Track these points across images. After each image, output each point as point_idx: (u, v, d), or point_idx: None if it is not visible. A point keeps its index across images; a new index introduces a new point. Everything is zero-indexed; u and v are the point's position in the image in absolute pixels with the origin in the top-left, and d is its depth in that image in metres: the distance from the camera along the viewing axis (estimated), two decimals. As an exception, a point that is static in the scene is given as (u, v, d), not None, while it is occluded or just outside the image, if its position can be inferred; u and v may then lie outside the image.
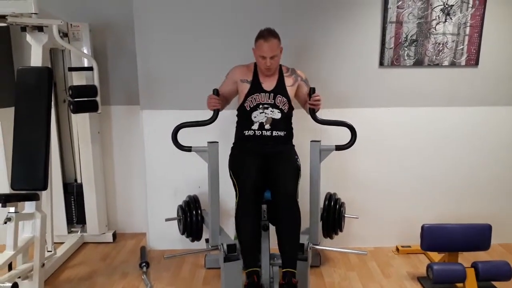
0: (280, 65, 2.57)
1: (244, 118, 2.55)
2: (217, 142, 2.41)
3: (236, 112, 2.65)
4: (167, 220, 2.83)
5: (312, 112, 2.46)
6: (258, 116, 2.49)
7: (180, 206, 2.79)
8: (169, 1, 2.97)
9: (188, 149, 2.41)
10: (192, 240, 2.79)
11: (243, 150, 2.54)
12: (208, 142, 2.40)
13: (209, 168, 2.42)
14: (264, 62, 2.41)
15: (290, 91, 2.54)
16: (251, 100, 2.51)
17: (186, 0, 2.96)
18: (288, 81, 2.55)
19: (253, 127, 2.50)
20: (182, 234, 2.78)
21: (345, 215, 2.79)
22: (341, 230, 2.79)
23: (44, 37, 2.67)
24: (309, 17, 3.00)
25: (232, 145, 2.66)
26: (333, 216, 2.73)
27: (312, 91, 2.42)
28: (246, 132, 2.52)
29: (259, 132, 2.49)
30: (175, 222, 3.27)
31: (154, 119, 3.14)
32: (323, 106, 2.80)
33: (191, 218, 2.72)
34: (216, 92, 2.46)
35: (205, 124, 2.45)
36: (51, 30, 2.68)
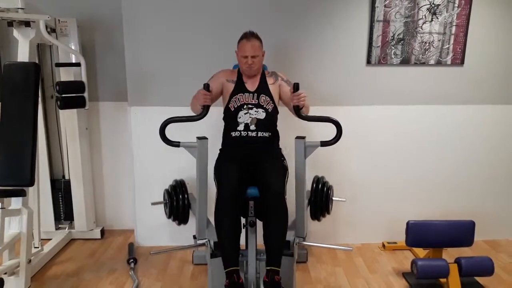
0: (263, 70, 2.62)
1: (230, 119, 2.56)
2: (207, 138, 2.39)
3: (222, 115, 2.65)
4: (153, 204, 2.77)
5: (297, 109, 2.40)
6: (243, 117, 2.50)
7: (166, 190, 2.75)
8: (158, -2, 2.98)
9: (176, 144, 2.37)
10: (179, 224, 2.74)
11: (229, 155, 2.55)
12: (197, 138, 2.37)
13: (198, 164, 2.40)
14: (245, 61, 2.46)
15: (273, 90, 2.56)
16: (235, 101, 2.53)
17: (175, -4, 2.97)
18: (270, 80, 2.59)
19: (238, 128, 2.51)
20: (169, 218, 2.73)
21: (333, 198, 2.77)
22: (328, 213, 2.78)
23: (31, 33, 2.66)
24: (297, 15, 3.02)
25: (219, 150, 2.66)
26: (320, 198, 2.71)
27: (296, 87, 2.35)
28: (233, 134, 2.53)
29: (244, 133, 2.50)
30: (164, 219, 3.27)
31: (142, 116, 3.14)
32: (310, 103, 2.82)
33: (177, 202, 2.68)
34: (207, 87, 2.38)
35: (194, 119, 2.41)
36: (38, 26, 2.66)
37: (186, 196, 2.72)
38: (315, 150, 2.43)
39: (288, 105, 2.62)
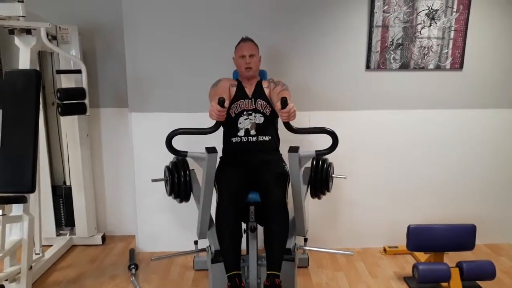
0: (261, 78, 2.65)
1: (230, 125, 2.56)
2: (216, 152, 2.25)
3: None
4: (153, 180, 2.64)
5: (287, 125, 2.23)
6: (243, 123, 2.52)
7: (167, 167, 2.63)
8: (158, 4, 2.99)
9: (184, 154, 2.27)
10: (180, 201, 2.63)
11: (231, 162, 2.55)
12: (207, 149, 2.23)
13: (205, 178, 2.31)
14: (243, 61, 2.51)
15: (268, 94, 2.58)
16: (236, 107, 2.54)
17: (175, 2, 2.99)
18: (265, 84, 2.62)
19: (239, 134, 2.52)
20: (169, 195, 2.62)
21: (333, 175, 2.64)
22: (328, 191, 2.65)
23: (32, 40, 2.68)
24: (296, 21, 3.04)
25: (219, 158, 2.62)
26: (320, 176, 2.59)
27: (283, 104, 2.11)
28: (234, 139, 2.54)
29: (245, 139, 2.51)
30: (165, 225, 3.28)
31: (143, 122, 3.15)
32: (310, 108, 2.83)
33: (178, 178, 2.55)
34: (222, 102, 2.13)
35: (204, 133, 2.25)
36: (39, 33, 2.68)
37: (187, 172, 2.58)
38: (310, 159, 2.37)
39: (274, 104, 2.49)
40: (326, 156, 2.64)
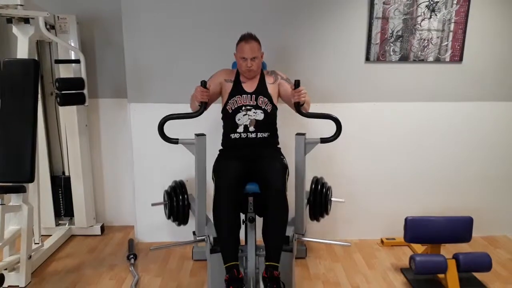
0: (262, 70, 2.62)
1: (228, 121, 2.56)
2: (205, 135, 2.38)
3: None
4: (153, 204, 2.79)
5: (297, 106, 2.39)
6: (242, 119, 2.51)
7: (166, 191, 2.75)
8: (157, -6, 2.98)
9: (175, 141, 2.38)
10: (179, 225, 2.74)
11: (229, 155, 2.56)
12: (196, 135, 2.38)
13: (196, 161, 2.41)
14: (245, 64, 2.45)
15: (272, 90, 2.56)
16: (232, 103, 2.52)
17: (174, -7, 2.97)
18: (269, 80, 2.58)
19: (238, 130, 2.51)
20: (168, 218, 2.74)
21: (332, 199, 2.77)
22: (327, 213, 2.77)
23: (30, 29, 2.67)
24: (296, 12, 3.02)
25: (219, 151, 2.66)
26: (319, 199, 2.70)
27: (296, 84, 2.33)
28: (232, 135, 2.53)
29: (244, 135, 2.51)
30: (163, 216, 3.28)
31: (141, 112, 3.15)
32: (310, 100, 2.81)
33: (177, 202, 2.68)
34: (204, 84, 2.36)
35: (192, 116, 2.41)
36: (37, 22, 2.67)
37: (185, 196, 2.72)
38: (315, 146, 2.43)
39: (288, 102, 2.60)
40: (325, 180, 2.82)
